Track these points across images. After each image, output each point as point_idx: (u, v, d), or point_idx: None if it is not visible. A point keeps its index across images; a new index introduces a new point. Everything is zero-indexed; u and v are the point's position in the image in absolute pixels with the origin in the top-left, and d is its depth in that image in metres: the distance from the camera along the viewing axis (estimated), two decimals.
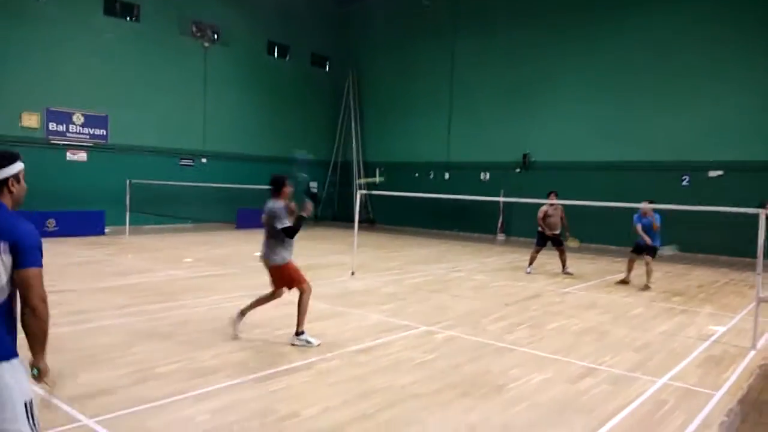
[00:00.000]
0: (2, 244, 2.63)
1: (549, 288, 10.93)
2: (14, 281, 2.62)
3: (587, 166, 19.29)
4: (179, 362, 5.66)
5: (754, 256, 7.15)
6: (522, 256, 15.32)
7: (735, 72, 16.93)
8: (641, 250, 11.29)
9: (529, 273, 12.55)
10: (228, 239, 17.90)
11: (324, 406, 4.67)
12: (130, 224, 17.49)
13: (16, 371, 2.62)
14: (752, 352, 6.74)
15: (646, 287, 11.00)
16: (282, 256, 6.57)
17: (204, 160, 22.01)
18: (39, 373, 2.78)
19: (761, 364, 6.34)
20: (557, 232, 12.60)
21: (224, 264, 12.47)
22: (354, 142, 26.29)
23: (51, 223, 16.25)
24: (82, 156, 18.52)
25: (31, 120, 17.31)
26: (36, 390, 2.92)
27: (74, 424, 4.18)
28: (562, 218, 12.62)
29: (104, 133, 18.97)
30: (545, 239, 12.69)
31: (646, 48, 18.36)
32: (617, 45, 18.95)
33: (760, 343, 7.08)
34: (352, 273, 11.41)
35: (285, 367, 5.62)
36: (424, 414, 4.60)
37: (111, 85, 19.10)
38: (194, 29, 21.47)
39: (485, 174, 22.19)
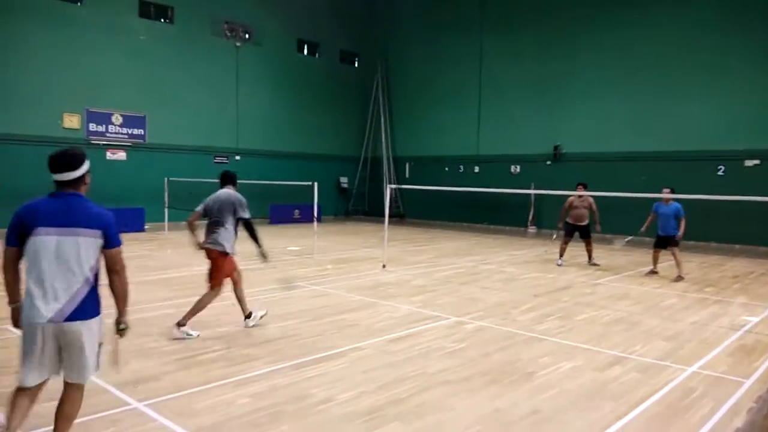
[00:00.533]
0: (97, 231, 3.43)
1: (580, 279, 10.94)
2: (104, 257, 3.50)
3: (619, 157, 19.09)
4: (219, 351, 5.93)
5: None
6: (553, 249, 15.29)
7: (764, 59, 16.55)
8: (662, 242, 11.20)
9: (560, 265, 12.56)
10: (262, 234, 18.19)
11: (359, 391, 4.87)
12: (168, 221, 18.02)
13: (94, 327, 3.51)
14: None
15: (679, 278, 10.92)
16: (231, 246, 6.85)
17: (237, 158, 22.48)
18: (124, 328, 3.79)
19: None
20: (584, 223, 12.58)
21: (258, 258, 12.77)
22: (383, 137, 26.46)
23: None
24: (121, 155, 19.13)
25: (72, 121, 17.96)
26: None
27: (124, 408, 4.47)
28: (592, 209, 12.57)
29: (142, 132, 19.56)
30: (572, 230, 12.69)
31: (677, 37, 18.05)
32: (648, 35, 18.66)
33: None
34: (383, 266, 11.61)
35: (320, 355, 5.84)
36: (454, 399, 4.76)
37: (147, 86, 19.67)
38: (226, 29, 21.91)
39: (515, 167, 22.13)
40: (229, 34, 21.99)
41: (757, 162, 16.71)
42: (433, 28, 24.85)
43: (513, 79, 22.07)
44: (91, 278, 3.47)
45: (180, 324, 6.37)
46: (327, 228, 19.78)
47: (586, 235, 12.67)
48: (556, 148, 20.84)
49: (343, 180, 26.69)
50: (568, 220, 12.69)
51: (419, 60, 25.47)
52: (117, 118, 18.94)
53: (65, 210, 3.38)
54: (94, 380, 4.96)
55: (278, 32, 23.84)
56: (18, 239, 3.36)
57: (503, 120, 22.36)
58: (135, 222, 18.00)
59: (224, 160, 22.11)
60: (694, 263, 13.25)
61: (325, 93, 25.59)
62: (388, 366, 5.56)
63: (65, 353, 3.43)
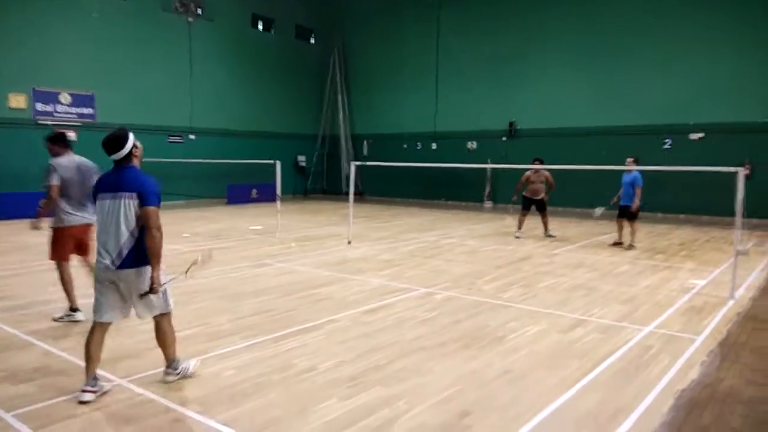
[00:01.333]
0: (133, 193, 4.20)
1: (538, 251, 11.36)
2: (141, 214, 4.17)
3: (572, 132, 19.67)
4: (196, 327, 5.98)
5: (734, 214, 7.57)
6: (509, 223, 15.76)
7: (716, 36, 17.29)
8: (622, 212, 11.73)
9: (518, 237, 12.98)
10: (220, 214, 18.12)
11: (339, 360, 5.04)
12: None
13: (145, 273, 4.24)
14: (731, 302, 7.22)
15: (631, 246, 11.49)
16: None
17: (192, 137, 22.03)
18: (152, 281, 4.23)
19: (739, 311, 6.81)
20: (540, 197, 13.01)
21: (221, 237, 12.72)
22: (341, 114, 26.39)
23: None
24: (71, 136, 18.44)
25: (18, 101, 17.21)
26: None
27: (108, 384, 4.48)
28: (549, 182, 12.98)
29: (92, 112, 18.92)
30: (529, 203, 13.12)
31: (631, 13, 18.61)
32: (603, 10, 19.18)
33: (738, 293, 7.57)
34: (349, 242, 11.75)
35: (297, 327, 5.97)
36: (431, 363, 4.98)
37: (97, 64, 18.98)
38: (178, 4, 21.28)
39: (472, 143, 22.50)
40: (180, 9, 21.38)
41: (701, 135, 17.54)
42: (389, 3, 24.77)
43: (470, 56, 22.31)
44: (137, 233, 4.21)
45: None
46: (286, 207, 19.70)
47: (542, 208, 13.12)
48: (511, 124, 21.28)
49: (301, 158, 26.54)
50: (525, 194, 13.09)
51: (376, 36, 25.40)
52: (65, 97, 18.25)
53: (116, 179, 4.28)
54: (72, 360, 4.98)
55: (231, 7, 23.30)
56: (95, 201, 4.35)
57: (460, 97, 22.63)
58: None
59: (178, 139, 21.65)
60: (642, 232, 13.87)
61: (281, 70, 25.26)
62: (365, 336, 5.74)
63: (129, 296, 4.28)
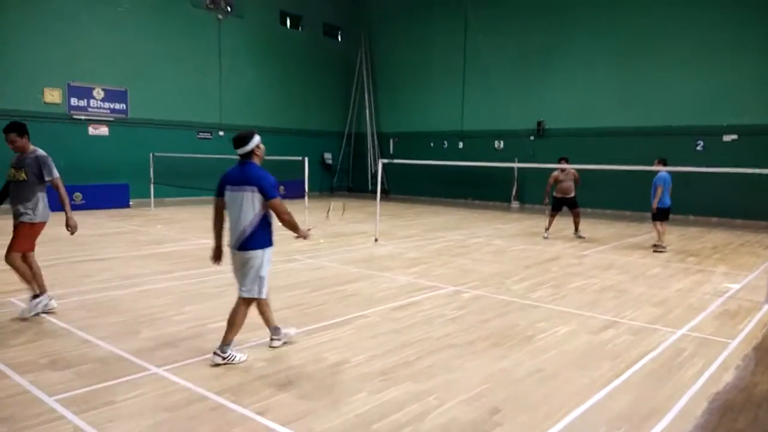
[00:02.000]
0: (255, 188, 4.76)
1: (567, 251, 11.26)
2: (267, 207, 4.80)
3: (601, 132, 19.42)
4: None
5: None
6: (537, 223, 15.66)
7: (750, 36, 16.90)
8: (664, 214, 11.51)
9: (546, 238, 12.88)
10: None
11: (370, 354, 5.08)
12: (154, 197, 17.93)
13: (256, 258, 4.82)
14: (766, 306, 7.08)
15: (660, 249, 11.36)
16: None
17: (221, 133, 22.31)
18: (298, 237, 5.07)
19: None
20: (571, 195, 12.90)
21: None
22: (367, 112, 26.45)
23: (78, 197, 16.71)
24: (103, 130, 18.88)
25: (53, 96, 17.64)
26: None
27: (146, 373, 4.61)
28: (576, 180, 12.88)
29: (124, 107, 19.29)
30: (560, 204, 13.00)
31: (661, 13, 18.30)
32: (632, 10, 18.88)
33: None
34: (375, 240, 11.79)
35: (327, 322, 6.03)
36: (461, 361, 4.99)
37: (129, 60, 19.35)
38: (208, 1, 21.57)
39: (499, 142, 22.37)
40: (210, 5, 21.66)
41: (734, 137, 17.17)
42: (417, 2, 24.75)
43: (497, 55, 22.17)
44: (255, 222, 4.76)
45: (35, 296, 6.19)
46: (313, 204, 19.73)
47: (573, 206, 13.00)
48: (539, 123, 21.10)
49: (327, 156, 26.69)
50: (556, 194, 12.99)
51: (403, 34, 25.40)
52: (98, 93, 18.65)
53: (239, 175, 4.82)
54: (111, 348, 5.12)
55: (260, 4, 23.53)
56: (220, 192, 4.91)
57: (487, 95, 22.51)
58: (120, 198, 17.90)
59: (208, 135, 21.96)
60: (674, 235, 13.68)
61: (309, 67, 25.43)
62: (394, 332, 5.78)
63: (240, 272, 4.91)
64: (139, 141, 19.28)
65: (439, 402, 4.13)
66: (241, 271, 4.87)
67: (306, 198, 13.38)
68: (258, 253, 4.80)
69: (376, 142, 26.45)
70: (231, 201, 4.84)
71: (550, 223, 13.16)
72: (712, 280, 8.69)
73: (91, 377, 4.47)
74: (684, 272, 9.30)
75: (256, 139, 5.01)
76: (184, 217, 15.86)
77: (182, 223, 14.48)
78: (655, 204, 11.31)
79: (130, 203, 18.17)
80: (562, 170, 12.73)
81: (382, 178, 24.24)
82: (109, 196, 17.66)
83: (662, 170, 10.74)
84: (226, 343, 4.83)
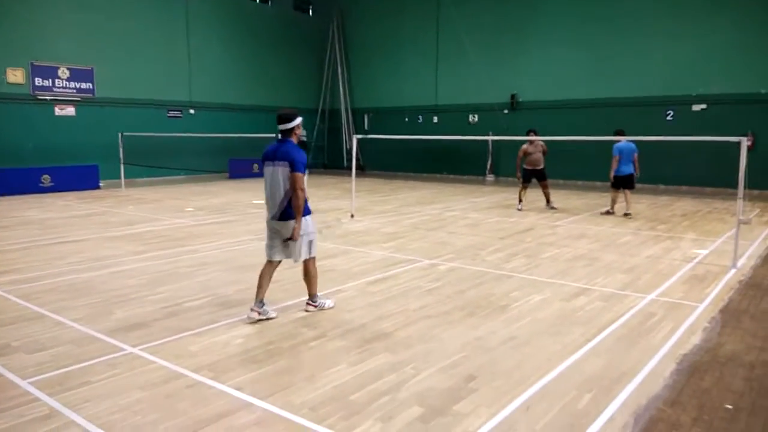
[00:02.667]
0: (286, 162, 5.19)
1: (540, 222, 11.41)
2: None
3: (574, 104, 19.57)
4: (204, 298, 6.06)
5: (736, 186, 7.59)
6: (511, 195, 15.78)
7: (719, 8, 17.09)
8: (625, 182, 11.85)
9: (520, 210, 13.01)
10: (223, 189, 18.14)
11: (346, 328, 5.12)
12: (124, 177, 17.62)
13: (309, 221, 5.43)
14: (733, 270, 7.29)
15: (627, 215, 11.73)
16: None
17: (192, 111, 21.95)
18: (293, 232, 5.24)
19: (741, 279, 6.88)
20: (540, 167, 13.03)
21: (224, 212, 12.75)
22: (341, 88, 26.21)
23: (46, 179, 16.35)
24: (70, 111, 18.41)
25: (16, 76, 17.11)
26: None
27: (121, 353, 4.58)
28: (544, 152, 13.02)
29: (91, 86, 18.81)
30: (530, 175, 13.14)
31: None
32: None
33: (740, 262, 7.64)
34: (351, 216, 11.79)
35: (304, 298, 6.01)
36: (437, 331, 5.06)
37: (94, 38, 18.83)
38: None
39: (473, 116, 22.40)
40: None
41: (703, 106, 17.45)
42: None
43: (470, 28, 22.06)
44: (290, 193, 5.20)
45: None
46: None
47: (542, 178, 13.14)
48: (513, 96, 21.15)
49: (302, 133, 26.41)
50: (525, 166, 13.10)
51: (375, 8, 25.09)
52: (63, 72, 18.13)
53: (276, 151, 5.29)
54: (85, 329, 5.07)
55: None
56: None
57: (461, 69, 22.44)
58: (89, 179, 17.55)
59: (178, 114, 21.58)
60: (644, 204, 13.94)
61: (280, 43, 25.03)
62: (371, 305, 5.82)
63: (283, 243, 5.37)
64: (108, 121, 18.87)
65: (415, 371, 4.19)
66: (285, 240, 5.35)
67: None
68: (291, 222, 5.28)
69: (350, 118, 26.28)
70: (267, 175, 5.34)
71: (521, 196, 13.29)
72: (681, 247, 8.90)
73: (65, 359, 4.42)
74: (654, 240, 9.50)
75: (298, 119, 5.43)
76: (155, 197, 15.64)
77: (154, 203, 14.28)
78: (611, 173, 11.75)
79: (100, 184, 17.83)
80: (531, 142, 12.83)
81: (357, 154, 24.05)
82: (78, 177, 17.30)
83: (621, 140, 11.01)
84: (311, 296, 5.64)
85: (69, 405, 3.66)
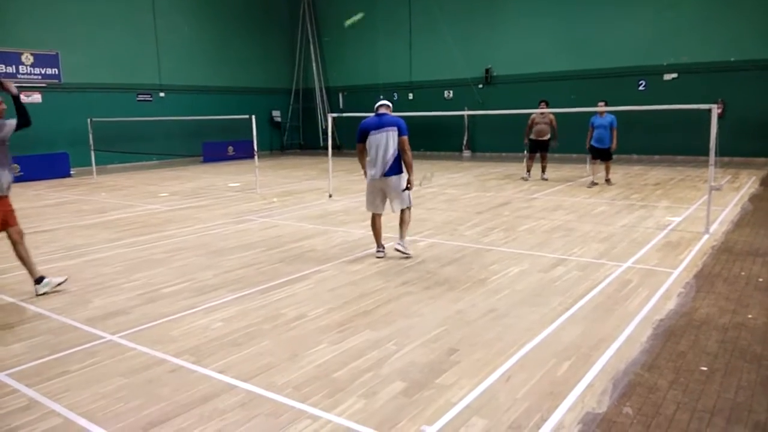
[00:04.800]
0: (395, 128, 6.51)
1: (517, 196, 11.49)
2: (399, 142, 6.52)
3: (548, 77, 19.61)
4: (182, 283, 6.00)
5: (707, 153, 7.71)
6: (488, 170, 15.87)
7: None
8: (599, 153, 12.07)
9: (526, 179, 13.44)
10: (196, 173, 17.90)
11: (327, 307, 5.12)
12: (96, 164, 17.27)
13: (402, 178, 6.64)
14: (706, 236, 7.44)
15: (608, 181, 12.08)
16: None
17: (162, 94, 21.52)
18: (409, 183, 6.63)
19: (713, 245, 7.03)
20: (544, 138, 13.26)
21: (199, 196, 12.60)
22: (314, 66, 25.88)
23: (15, 168, 15.89)
24: (36, 97, 17.92)
25: None
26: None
27: (100, 341, 4.52)
28: (552, 125, 13.18)
29: (56, 72, 18.31)
30: (535, 146, 13.39)
31: None
32: None
33: (713, 228, 7.79)
34: (330, 195, 11.74)
35: (284, 279, 6.02)
36: (418, 306, 5.09)
37: (58, 23, 18.28)
38: None
39: (449, 92, 22.34)
40: None
41: (674, 75, 17.63)
42: None
43: (442, 3, 21.87)
44: (395, 153, 6.52)
45: (37, 281, 5.69)
46: (264, 163, 19.47)
47: (544, 149, 13.39)
48: (487, 71, 21.11)
49: (276, 113, 26.15)
50: (531, 136, 13.38)
51: None
52: (27, 58, 17.60)
53: (380, 121, 6.57)
54: (62, 319, 5.00)
55: None
56: (362, 139, 6.66)
57: (435, 45, 22.30)
58: (60, 167, 17.19)
59: (148, 97, 21.15)
60: (618, 174, 14.11)
61: (250, 22, 24.58)
62: (352, 284, 5.82)
63: (389, 195, 6.70)
64: (76, 107, 18.42)
65: (397, 347, 4.21)
66: (394, 191, 6.61)
67: (256, 157, 13.15)
68: (402, 175, 6.60)
69: (324, 97, 26.02)
70: (375, 141, 6.51)
71: (529, 167, 13.61)
72: (655, 215, 9.05)
73: (43, 349, 4.36)
74: (628, 209, 9.64)
75: (387, 101, 6.92)
76: (128, 183, 15.38)
77: (126, 189, 14.04)
78: (615, 144, 12.05)
79: (71, 172, 17.47)
80: (541, 113, 12.97)
81: (333, 133, 23.96)
82: (48, 166, 16.92)
83: (606, 110, 11.22)
84: (402, 238, 6.79)
85: (48, 395, 3.62)
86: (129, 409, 3.42)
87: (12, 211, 5.60)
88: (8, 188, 5.50)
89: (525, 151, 13.82)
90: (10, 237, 5.58)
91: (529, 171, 13.66)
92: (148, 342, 4.45)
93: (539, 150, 13.43)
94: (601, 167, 12.36)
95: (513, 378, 3.68)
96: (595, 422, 3.13)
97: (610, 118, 11.81)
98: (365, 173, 6.82)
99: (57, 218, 10.20)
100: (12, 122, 5.54)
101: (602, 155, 12.15)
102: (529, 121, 13.35)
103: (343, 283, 5.86)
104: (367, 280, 5.94)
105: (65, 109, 18.37)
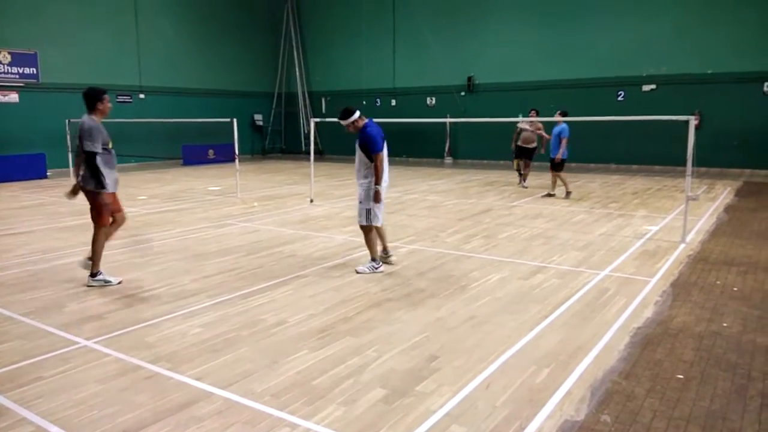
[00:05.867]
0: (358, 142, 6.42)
1: (498, 203, 11.56)
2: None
3: (528, 86, 19.81)
4: (161, 288, 5.92)
5: (684, 163, 7.84)
6: (470, 177, 15.96)
7: None
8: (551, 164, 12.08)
9: (525, 187, 13.57)
10: (176, 175, 17.73)
11: (308, 313, 5.09)
12: (72, 165, 17.00)
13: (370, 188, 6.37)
14: (682, 245, 7.55)
15: (568, 194, 11.99)
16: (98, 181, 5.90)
17: (142, 96, 21.30)
18: (376, 192, 6.30)
19: (690, 254, 7.14)
20: (530, 146, 13.46)
21: (178, 199, 12.48)
22: (297, 71, 25.83)
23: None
24: (13, 97, 17.63)
25: None
26: None
27: (74, 346, 4.43)
28: (540, 134, 13.30)
29: (35, 71, 18.03)
30: (521, 152, 13.63)
31: None
32: None
33: (689, 237, 7.92)
34: (311, 201, 11.70)
35: (264, 284, 5.98)
36: (399, 313, 5.08)
37: (37, 21, 18.01)
38: None
39: (431, 99, 22.44)
40: None
41: (653, 86, 17.92)
42: None
43: (426, 10, 22.01)
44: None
45: (93, 274, 5.98)
46: (245, 167, 19.37)
47: (528, 156, 13.60)
48: (469, 79, 21.26)
49: (258, 117, 26.02)
50: (519, 143, 13.56)
51: None
52: (5, 57, 17.31)
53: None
54: (33, 324, 4.90)
55: None
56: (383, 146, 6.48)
57: (418, 52, 22.41)
58: (35, 169, 16.89)
59: (128, 98, 20.92)
60: (596, 183, 14.30)
61: (233, 25, 24.45)
62: (332, 290, 5.80)
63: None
64: (54, 107, 18.13)
65: (378, 354, 4.20)
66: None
67: (237, 161, 13.06)
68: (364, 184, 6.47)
69: (307, 102, 25.97)
70: (386, 150, 6.44)
71: (519, 173, 13.89)
72: (633, 224, 9.17)
73: (15, 354, 4.26)
74: (606, 217, 9.75)
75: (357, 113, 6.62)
76: None
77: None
78: (560, 154, 11.78)
79: (48, 174, 17.18)
80: (531, 122, 13.08)
81: (315, 138, 23.82)
82: (24, 167, 16.62)
83: (562, 121, 11.18)
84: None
85: (21, 402, 3.54)
86: (104, 416, 3.36)
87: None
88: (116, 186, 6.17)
89: (512, 158, 13.93)
90: (115, 221, 6.15)
91: (521, 175, 13.93)
92: (124, 348, 4.38)
93: (524, 157, 13.62)
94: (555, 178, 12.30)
95: (492, 385, 3.69)
96: (573, 430, 3.15)
97: (560, 127, 11.73)
98: (379, 182, 6.29)
99: (33, 220, 10.02)
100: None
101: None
102: (517, 128, 13.49)
103: (323, 289, 5.83)
104: (347, 286, 5.92)
105: (43, 109, 18.10)
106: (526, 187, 13.52)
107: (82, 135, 5.82)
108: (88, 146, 5.80)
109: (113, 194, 6.09)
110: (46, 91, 18.35)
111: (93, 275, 6.01)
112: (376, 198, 6.30)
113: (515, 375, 3.83)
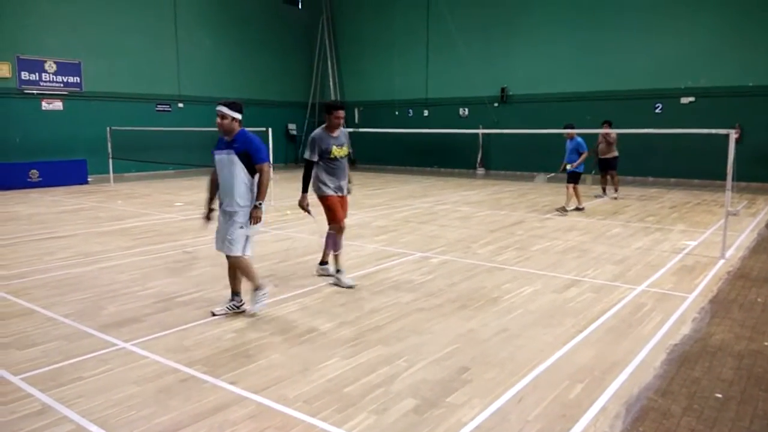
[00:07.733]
0: (233, 150, 5.28)
1: (530, 215, 11.45)
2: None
3: (563, 97, 19.61)
4: (196, 293, 6.04)
5: (724, 178, 7.66)
6: (502, 188, 15.85)
7: (706, 2, 17.19)
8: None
9: (615, 198, 13.60)
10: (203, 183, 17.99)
11: (339, 321, 5.12)
12: (113, 172, 17.49)
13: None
14: (721, 261, 7.36)
15: (562, 209, 11.62)
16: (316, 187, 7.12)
17: (181, 105, 21.79)
18: (257, 208, 5.40)
19: (729, 270, 6.95)
20: (606, 156, 13.62)
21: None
22: (331, 81, 26.09)
23: (34, 174, 16.19)
24: (57, 105, 18.24)
25: (2, 70, 16.90)
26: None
27: (113, 348, 4.55)
28: (609, 143, 13.44)
29: (78, 80, 18.63)
30: (602, 164, 13.79)
31: None
32: None
33: (729, 253, 7.71)
34: None
35: (296, 292, 6.05)
36: (430, 324, 5.08)
37: (82, 32, 18.64)
38: None
39: (464, 109, 22.41)
40: None
41: (692, 99, 17.57)
42: None
43: (460, 21, 22.03)
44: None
45: (322, 263, 6.75)
46: (279, 175, 19.57)
47: (610, 167, 13.78)
48: (503, 90, 21.17)
49: (292, 127, 26.34)
50: (600, 156, 13.72)
51: (366, 1, 24.97)
52: (51, 66, 17.94)
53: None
54: (74, 325, 5.05)
55: None
56: None
57: (451, 63, 22.42)
58: (77, 174, 17.39)
59: (167, 108, 21.42)
60: (634, 196, 14.05)
61: (269, 36, 24.88)
62: (363, 299, 5.83)
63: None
64: (96, 115, 18.71)
65: (408, 364, 4.20)
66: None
67: (271, 170, 13.21)
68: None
69: None
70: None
71: (601, 184, 13.98)
72: (671, 238, 8.98)
73: (56, 355, 4.40)
74: (643, 231, 9.57)
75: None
76: (144, 192, 15.54)
77: (143, 198, 14.20)
78: (575, 165, 11.58)
79: (89, 179, 17.69)
80: (605, 133, 13.26)
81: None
82: (66, 172, 17.14)
83: (575, 133, 11.34)
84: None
85: (62, 400, 3.65)
86: (140, 417, 3.44)
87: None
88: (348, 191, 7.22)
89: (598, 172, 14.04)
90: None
91: (605, 190, 14.03)
92: (161, 350, 4.48)
93: (606, 168, 13.78)
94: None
95: (525, 399, 3.65)
96: None
97: (576, 141, 11.55)
98: (263, 198, 5.47)
99: (74, 224, 10.33)
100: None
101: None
102: (596, 142, 13.67)
103: (354, 297, 5.86)
104: (378, 295, 5.94)
105: (85, 116, 18.67)
106: (616, 198, 13.64)
107: None
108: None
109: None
110: (88, 99, 18.93)
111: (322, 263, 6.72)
112: (258, 217, 5.34)
113: (548, 389, 3.78)
